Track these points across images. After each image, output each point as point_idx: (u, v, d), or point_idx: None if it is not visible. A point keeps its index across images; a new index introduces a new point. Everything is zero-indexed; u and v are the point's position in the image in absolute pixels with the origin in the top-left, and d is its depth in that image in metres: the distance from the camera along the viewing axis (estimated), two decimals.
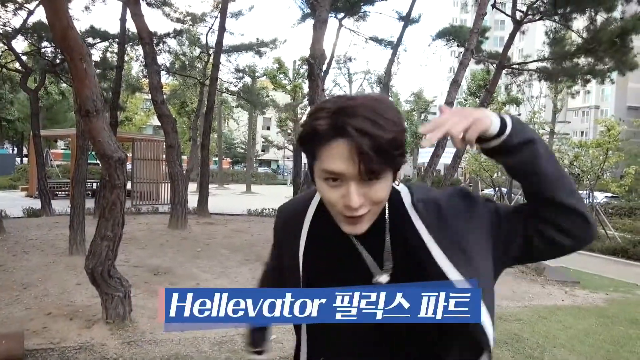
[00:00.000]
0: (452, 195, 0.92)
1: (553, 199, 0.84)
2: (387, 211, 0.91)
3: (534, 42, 31.49)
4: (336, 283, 0.85)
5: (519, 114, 29.06)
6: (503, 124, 0.82)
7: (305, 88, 33.49)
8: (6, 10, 11.74)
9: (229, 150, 45.17)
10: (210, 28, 15.30)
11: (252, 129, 32.10)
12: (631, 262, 10.03)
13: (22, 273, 5.36)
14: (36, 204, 11.61)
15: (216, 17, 14.77)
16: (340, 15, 12.41)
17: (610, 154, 12.02)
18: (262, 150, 52.97)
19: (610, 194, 17.73)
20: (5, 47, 12.22)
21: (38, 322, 3.88)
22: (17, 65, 12.74)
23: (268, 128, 50.39)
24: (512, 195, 17.30)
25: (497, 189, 15.96)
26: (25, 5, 11.95)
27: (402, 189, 0.94)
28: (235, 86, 20.36)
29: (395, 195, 0.92)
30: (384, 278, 0.89)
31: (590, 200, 13.48)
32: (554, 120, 24.99)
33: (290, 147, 37.98)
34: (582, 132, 44.22)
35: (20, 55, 12.22)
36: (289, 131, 36.28)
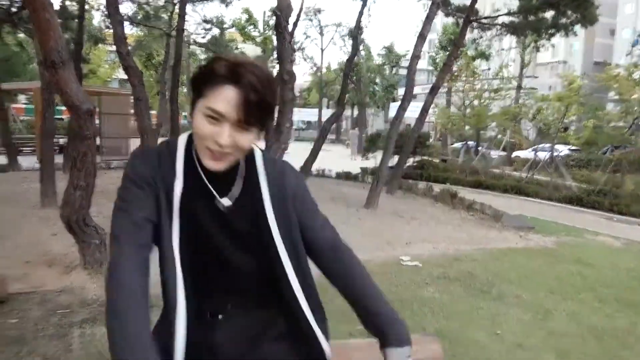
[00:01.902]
0: (292, 174, 1.17)
1: None
2: (240, 161, 1.09)
3: None
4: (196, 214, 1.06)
5: (488, 69, 29.41)
6: None
7: (275, 39, 32.79)
8: None
9: None
10: None
11: None
12: (585, 210, 10.65)
13: None
14: (1, 159, 11.38)
15: None
16: None
17: (571, 108, 12.51)
18: None
19: (572, 147, 18.50)
20: None
21: (17, 270, 4.01)
22: None
23: None
24: (479, 148, 17.85)
25: (464, 142, 16.41)
26: None
27: (257, 150, 1.12)
28: (203, 38, 19.85)
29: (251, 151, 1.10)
30: (225, 201, 1.07)
31: (551, 153, 14.11)
32: (522, 74, 25.40)
33: None
34: (549, 87, 45.14)
35: None
36: None
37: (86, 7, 12.35)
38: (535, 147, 14.79)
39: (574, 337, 3.34)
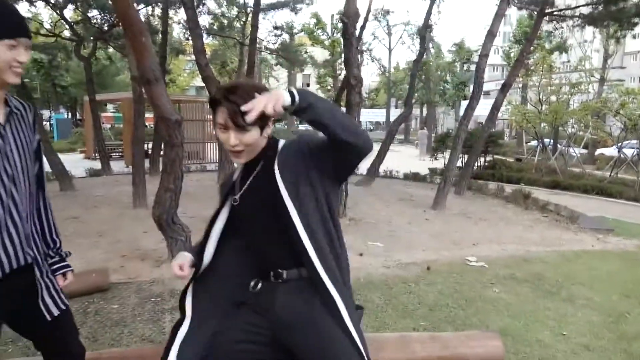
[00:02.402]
0: (296, 142, 1.50)
1: (334, 136, 1.30)
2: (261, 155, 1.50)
3: None
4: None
5: (568, 61, 27.79)
6: (293, 96, 1.27)
7: (343, 46, 33.06)
8: None
9: None
10: None
11: (292, 86, 32.27)
12: None
13: (96, 224, 6.12)
14: (95, 164, 12.59)
15: None
16: None
17: None
18: None
19: None
20: (58, 17, 12.94)
21: (115, 262, 4.57)
22: (67, 33, 13.49)
23: (308, 85, 50.38)
24: (558, 146, 16.99)
25: (539, 139, 15.70)
26: None
27: (280, 141, 1.52)
28: (274, 44, 20.54)
29: (273, 144, 1.50)
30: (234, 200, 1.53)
31: (637, 151, 13.16)
32: (605, 66, 23.75)
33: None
34: None
35: (72, 24, 12.91)
36: (329, 87, 36.25)
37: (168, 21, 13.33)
38: (620, 144, 13.85)
39: None
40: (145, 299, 3.77)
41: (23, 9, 14.42)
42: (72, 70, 28.27)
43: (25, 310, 1.54)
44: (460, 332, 2.89)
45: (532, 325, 3.44)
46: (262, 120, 1.37)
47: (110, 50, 22.71)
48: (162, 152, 5.18)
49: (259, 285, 1.52)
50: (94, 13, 13.09)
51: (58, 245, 1.67)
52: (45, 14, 24.11)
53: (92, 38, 12.74)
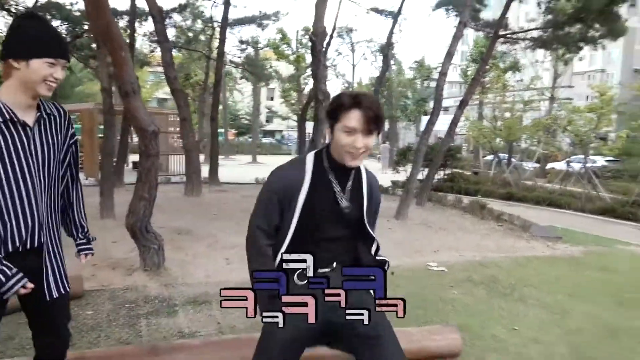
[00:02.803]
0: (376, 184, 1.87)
1: None
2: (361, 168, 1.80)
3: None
4: (329, 214, 1.72)
5: (521, 80, 29.25)
6: None
7: (308, 58, 33.60)
8: None
9: (233, 122, 45.56)
10: (214, 2, 15.63)
11: (257, 100, 32.48)
12: (618, 221, 10.59)
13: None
14: None
15: None
16: None
17: (603, 118, 12.50)
18: (267, 121, 53.31)
19: (610, 158, 18.22)
20: None
21: (87, 271, 4.58)
22: None
23: (272, 99, 50.58)
24: (512, 160, 17.85)
25: (495, 154, 16.50)
26: None
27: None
28: (239, 58, 20.71)
29: None
30: (345, 204, 1.74)
31: (584, 165, 14.04)
32: (555, 85, 25.19)
33: (295, 117, 38.39)
34: (587, 97, 44.11)
35: None
36: (293, 101, 36.58)
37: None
38: (569, 158, 14.75)
39: (589, 335, 3.62)
40: (119, 305, 3.84)
41: None
42: None
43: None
44: (423, 327, 3.15)
45: (487, 322, 3.74)
46: (382, 125, 1.65)
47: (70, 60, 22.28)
48: (128, 164, 5.23)
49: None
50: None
51: (85, 230, 1.93)
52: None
53: None
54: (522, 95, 18.33)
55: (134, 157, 15.05)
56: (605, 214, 11.11)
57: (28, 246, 1.66)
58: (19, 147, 1.60)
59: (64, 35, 1.78)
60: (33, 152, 1.63)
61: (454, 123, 9.89)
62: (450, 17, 14.37)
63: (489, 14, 20.50)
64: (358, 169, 1.76)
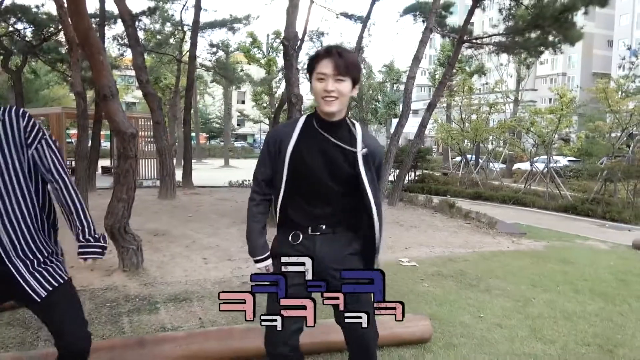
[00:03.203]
0: (380, 148, 1.92)
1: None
2: (350, 122, 1.87)
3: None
4: (319, 163, 1.80)
5: (486, 83, 30.18)
6: None
7: (279, 62, 33.71)
8: None
9: (205, 125, 45.23)
10: (184, 5, 15.60)
11: (228, 104, 32.39)
12: (579, 218, 11.13)
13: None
14: None
15: None
16: None
17: (563, 120, 13.09)
18: (238, 125, 53.10)
19: (572, 158, 19.04)
20: None
21: None
22: None
23: (243, 102, 50.40)
24: (480, 161, 18.44)
25: (463, 155, 17.01)
26: None
27: (357, 123, 1.88)
28: (210, 61, 20.69)
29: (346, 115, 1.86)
30: (364, 151, 1.81)
31: (547, 164, 14.66)
32: (518, 88, 26.11)
33: (266, 120, 38.40)
34: (549, 99, 45.75)
35: (0, 37, 12.43)
36: (264, 105, 36.60)
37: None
38: (533, 159, 15.38)
39: (547, 319, 3.89)
40: (100, 304, 3.90)
41: None
42: None
43: (17, 291, 1.76)
44: None
45: (455, 311, 3.97)
46: (354, 71, 1.73)
47: (34, 64, 21.79)
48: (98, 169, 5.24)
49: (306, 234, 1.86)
50: (23, 26, 12.71)
51: (86, 233, 1.86)
52: None
53: (22, 52, 12.31)
54: (487, 98, 18.96)
55: (103, 162, 14.87)
56: (567, 211, 11.66)
57: None
58: None
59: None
60: None
61: (422, 125, 10.23)
62: (418, 23, 14.81)
63: (455, 19, 21.14)
64: (349, 126, 1.83)
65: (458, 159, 20.79)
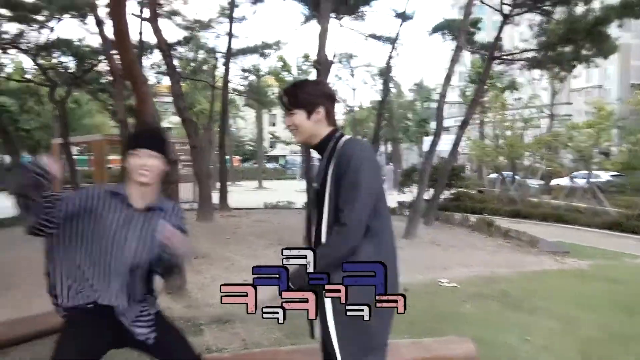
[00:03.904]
0: (348, 154, 1.73)
1: None
2: (330, 143, 1.80)
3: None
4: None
5: (519, 98, 29.67)
6: None
7: None
8: (31, 29, 12.65)
9: (237, 148, 46.05)
10: (218, 34, 16.12)
11: (260, 127, 32.96)
12: (624, 235, 10.67)
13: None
14: None
15: (222, 23, 15.60)
16: (340, 16, 13.16)
17: (603, 134, 12.73)
18: (270, 147, 53.83)
19: (615, 173, 18.39)
20: (33, 63, 13.15)
21: None
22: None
23: (274, 124, 51.23)
24: (516, 177, 18.05)
25: (499, 172, 16.70)
26: (46, 23, 12.85)
27: (346, 136, 1.81)
28: (242, 85, 21.20)
29: (330, 136, 1.81)
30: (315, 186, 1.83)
31: (588, 180, 14.22)
32: (553, 102, 25.55)
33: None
34: (585, 112, 44.47)
35: (46, 69, 13.13)
36: None
37: None
38: (573, 174, 14.93)
39: (598, 342, 3.75)
40: None
41: None
42: (37, 114, 27.97)
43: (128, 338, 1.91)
44: (439, 338, 3.31)
45: (500, 333, 3.87)
46: (305, 105, 1.77)
47: (76, 94, 22.82)
48: None
49: None
50: (66, 59, 13.39)
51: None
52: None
53: (66, 83, 12.96)
54: (522, 113, 18.64)
55: None
56: (611, 228, 11.20)
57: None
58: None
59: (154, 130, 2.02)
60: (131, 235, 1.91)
61: (456, 143, 10.14)
62: (447, 41, 14.83)
63: (483, 35, 20.99)
64: (334, 146, 1.77)
65: (493, 176, 20.40)
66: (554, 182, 21.39)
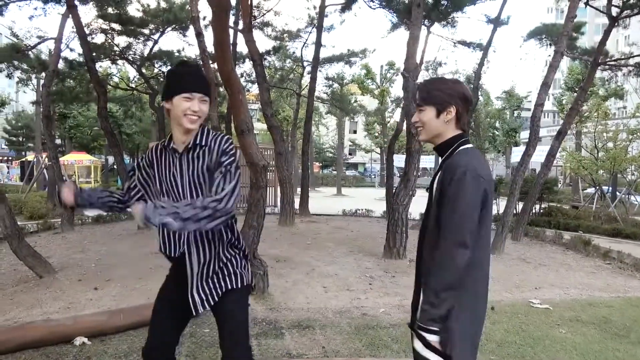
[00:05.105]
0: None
1: None
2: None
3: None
4: None
5: (624, 107, 27.18)
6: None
7: (392, 92, 33.94)
8: (137, 42, 13.84)
9: (318, 155, 46.77)
10: (305, 43, 16.52)
11: (341, 134, 33.25)
12: None
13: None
14: None
15: (310, 32, 15.97)
16: (429, 23, 12.91)
17: None
18: (350, 154, 54.08)
19: None
20: (136, 72, 14.33)
21: None
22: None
23: (355, 132, 51.43)
24: (617, 193, 16.51)
25: (597, 187, 15.38)
26: (151, 36, 13.99)
27: (466, 147, 1.74)
28: (326, 94, 21.52)
29: (454, 140, 1.75)
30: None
31: None
32: None
33: (378, 149, 38.57)
34: None
35: (149, 79, 14.24)
36: (376, 134, 36.90)
37: None
38: None
39: None
40: None
41: (106, 66, 16.07)
42: (136, 119, 30.42)
43: (184, 298, 1.88)
44: None
45: None
46: (437, 103, 1.72)
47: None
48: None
49: None
50: (166, 69, 14.42)
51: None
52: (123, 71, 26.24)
53: None
54: (627, 123, 17.05)
55: None
56: None
57: (174, 253, 1.88)
58: (171, 168, 1.89)
59: (201, 74, 2.00)
60: (177, 175, 1.87)
61: (551, 154, 9.49)
62: (543, 47, 13.96)
63: (584, 39, 19.51)
64: (451, 153, 1.75)
65: (589, 190, 18.81)
66: None
